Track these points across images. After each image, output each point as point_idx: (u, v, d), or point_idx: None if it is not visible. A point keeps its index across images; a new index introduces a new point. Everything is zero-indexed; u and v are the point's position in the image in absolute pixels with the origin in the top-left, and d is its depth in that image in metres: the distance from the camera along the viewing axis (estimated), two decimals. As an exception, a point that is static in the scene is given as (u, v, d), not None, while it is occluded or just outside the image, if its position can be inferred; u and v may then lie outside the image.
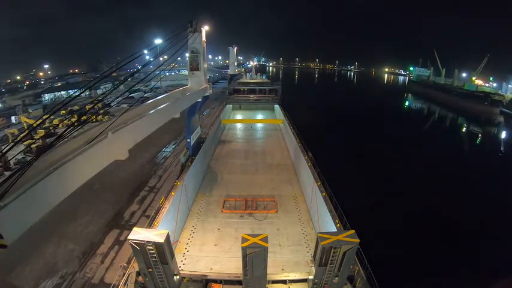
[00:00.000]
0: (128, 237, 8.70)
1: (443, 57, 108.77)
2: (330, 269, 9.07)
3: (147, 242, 8.44)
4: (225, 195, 19.48)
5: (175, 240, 14.33)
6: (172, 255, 9.37)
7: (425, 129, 62.42)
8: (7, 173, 5.40)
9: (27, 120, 43.83)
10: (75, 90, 72.17)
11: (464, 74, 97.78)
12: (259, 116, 44.89)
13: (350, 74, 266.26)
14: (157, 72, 15.98)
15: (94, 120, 35.90)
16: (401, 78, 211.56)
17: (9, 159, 6.47)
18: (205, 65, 21.38)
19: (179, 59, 17.23)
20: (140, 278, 9.56)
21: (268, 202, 18.53)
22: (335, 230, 12.08)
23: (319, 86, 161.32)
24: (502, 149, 49.27)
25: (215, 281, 10.69)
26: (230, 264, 12.84)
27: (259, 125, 40.20)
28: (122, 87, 55.65)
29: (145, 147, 34.21)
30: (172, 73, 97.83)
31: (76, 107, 52.59)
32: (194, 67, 20.59)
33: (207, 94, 21.44)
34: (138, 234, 8.64)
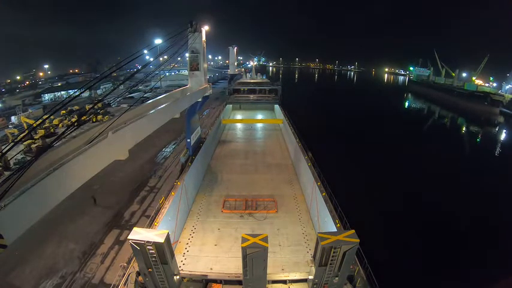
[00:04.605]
0: (128, 237, 8.70)
1: (442, 57, 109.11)
2: (330, 269, 9.06)
3: (147, 242, 8.45)
4: (225, 195, 19.48)
5: (175, 240, 14.33)
6: (172, 255, 9.37)
7: (425, 129, 62.42)
8: (7, 173, 5.40)
9: (27, 120, 43.86)
10: (75, 90, 72.16)
11: (464, 74, 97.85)
12: (259, 116, 44.89)
13: (350, 74, 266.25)
14: (157, 72, 16.03)
15: (94, 120, 36.04)
16: (401, 78, 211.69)
17: (9, 159, 6.47)
18: (205, 65, 21.37)
19: (179, 59, 17.25)
20: (140, 278, 9.56)
21: (268, 202, 18.52)
22: (335, 230, 12.08)
23: (319, 86, 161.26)
24: (501, 148, 49.21)
25: (215, 281, 10.69)
26: (230, 264, 12.84)
27: (259, 125, 40.20)
28: (121, 87, 55.63)
29: (145, 148, 34.20)
30: (172, 73, 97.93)
31: (76, 107, 52.68)
32: (194, 67, 20.60)
33: (207, 94, 21.44)
34: (138, 234, 8.64)
